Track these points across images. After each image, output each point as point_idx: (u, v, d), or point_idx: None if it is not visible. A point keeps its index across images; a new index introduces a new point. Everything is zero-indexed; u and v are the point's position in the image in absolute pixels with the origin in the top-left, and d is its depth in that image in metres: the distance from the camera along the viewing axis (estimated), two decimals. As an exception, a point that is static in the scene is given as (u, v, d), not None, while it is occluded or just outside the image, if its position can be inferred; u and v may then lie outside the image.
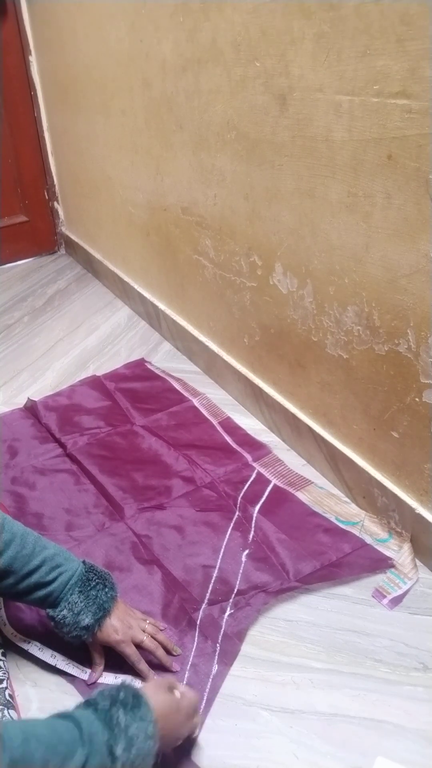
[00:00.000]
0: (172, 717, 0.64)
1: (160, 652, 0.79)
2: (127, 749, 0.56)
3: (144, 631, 0.79)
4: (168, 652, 0.81)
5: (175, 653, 0.82)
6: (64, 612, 0.75)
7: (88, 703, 0.60)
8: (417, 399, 0.86)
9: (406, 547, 0.95)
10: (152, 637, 0.80)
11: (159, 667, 0.80)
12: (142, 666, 0.78)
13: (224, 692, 0.79)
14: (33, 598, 0.76)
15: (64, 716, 0.57)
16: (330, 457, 1.09)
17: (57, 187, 2.00)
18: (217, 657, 0.82)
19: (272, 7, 0.86)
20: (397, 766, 0.71)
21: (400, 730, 0.75)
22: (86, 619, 0.75)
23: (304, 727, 0.76)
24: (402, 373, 0.87)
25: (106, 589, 0.78)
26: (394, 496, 0.96)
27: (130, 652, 0.77)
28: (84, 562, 0.80)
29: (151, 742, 0.58)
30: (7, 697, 0.76)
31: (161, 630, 0.83)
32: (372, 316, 0.88)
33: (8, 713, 0.73)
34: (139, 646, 0.78)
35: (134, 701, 0.60)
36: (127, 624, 0.78)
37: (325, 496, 1.07)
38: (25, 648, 0.82)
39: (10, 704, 0.75)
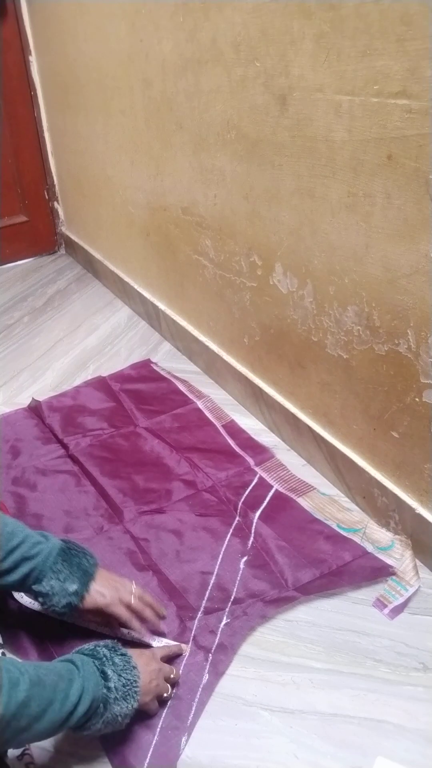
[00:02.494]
0: (143, 659, 0.73)
1: (148, 613, 0.82)
2: (115, 672, 0.67)
3: (131, 593, 0.81)
4: (156, 613, 0.84)
5: (161, 614, 0.85)
6: (52, 582, 0.77)
7: (76, 651, 0.71)
8: (417, 399, 0.86)
9: (408, 555, 0.95)
10: (140, 598, 0.82)
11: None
12: (135, 624, 0.80)
13: (224, 692, 0.80)
14: (18, 576, 0.76)
15: (59, 660, 0.68)
16: (330, 457, 1.09)
17: (57, 187, 2.00)
18: (208, 666, 0.82)
19: (272, 7, 0.86)
20: (397, 766, 0.71)
21: (400, 730, 0.75)
22: (73, 585, 0.77)
23: (304, 727, 0.76)
24: (402, 373, 0.87)
25: (87, 557, 0.81)
26: (394, 496, 0.96)
27: (121, 612, 0.79)
28: (62, 538, 0.82)
29: (136, 671, 0.69)
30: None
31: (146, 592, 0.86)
32: (372, 316, 0.88)
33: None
34: (128, 607, 0.81)
35: (113, 644, 0.72)
36: (113, 587, 0.80)
37: (327, 503, 1.07)
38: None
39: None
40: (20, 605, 0.87)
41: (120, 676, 0.67)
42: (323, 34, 0.79)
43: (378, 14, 0.71)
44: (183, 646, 0.83)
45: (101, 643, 0.71)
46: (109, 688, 0.66)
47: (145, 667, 0.72)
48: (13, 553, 0.76)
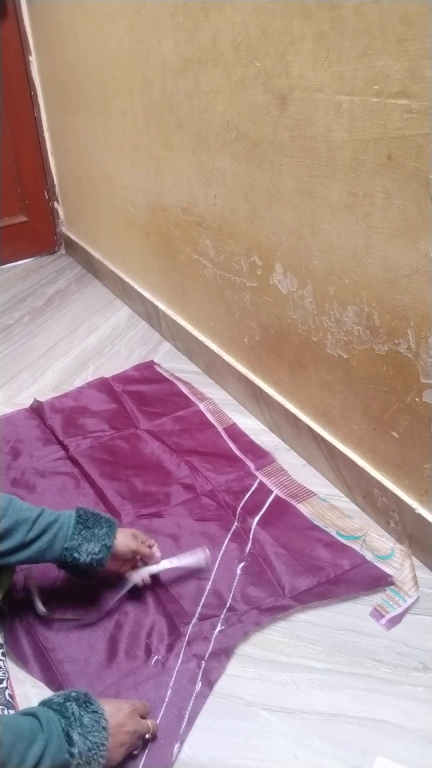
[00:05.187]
0: (119, 719, 0.68)
1: (156, 547, 0.91)
2: (82, 735, 0.62)
3: (144, 535, 0.90)
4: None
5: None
6: (84, 532, 0.80)
7: (44, 702, 0.66)
8: (417, 399, 0.86)
9: (408, 564, 0.94)
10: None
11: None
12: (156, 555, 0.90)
13: (224, 692, 0.80)
14: (46, 540, 0.78)
15: (24, 712, 0.63)
16: (330, 457, 1.09)
17: (57, 187, 2.00)
18: (201, 674, 0.81)
19: (272, 7, 0.86)
20: (397, 766, 0.71)
21: (400, 730, 0.75)
22: (103, 529, 0.82)
23: (304, 727, 0.76)
24: (402, 373, 0.87)
25: (104, 517, 0.85)
26: (394, 496, 0.96)
27: (145, 550, 0.88)
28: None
29: (104, 733, 0.64)
30: (7, 697, 0.76)
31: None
32: (372, 316, 0.88)
33: (8, 713, 0.73)
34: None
35: (85, 698, 0.66)
36: (131, 534, 0.88)
37: (327, 509, 1.05)
38: (68, 617, 0.88)
39: (10, 704, 0.75)
40: (21, 607, 0.87)
41: (86, 739, 0.62)
42: (323, 34, 0.79)
43: (378, 14, 0.71)
44: (204, 554, 0.91)
45: (73, 693, 0.66)
46: (72, 754, 0.61)
47: (116, 728, 0.67)
48: (38, 521, 0.78)
